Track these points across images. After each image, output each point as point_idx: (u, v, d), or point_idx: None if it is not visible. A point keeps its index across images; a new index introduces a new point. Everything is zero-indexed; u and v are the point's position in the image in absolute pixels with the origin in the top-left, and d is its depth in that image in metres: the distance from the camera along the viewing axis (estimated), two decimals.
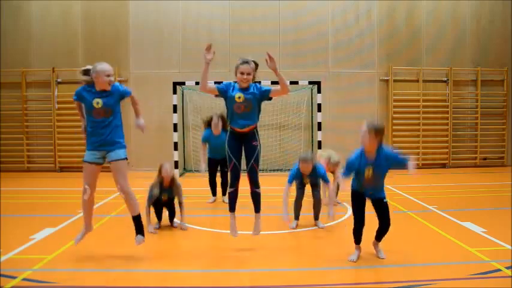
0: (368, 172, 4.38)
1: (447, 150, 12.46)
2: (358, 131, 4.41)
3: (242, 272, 4.42)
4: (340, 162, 7.14)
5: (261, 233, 5.01)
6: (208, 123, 7.62)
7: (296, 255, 4.98)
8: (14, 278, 4.10)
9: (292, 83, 11.34)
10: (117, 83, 4.69)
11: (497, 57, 12.50)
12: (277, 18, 12.16)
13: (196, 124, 11.75)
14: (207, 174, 7.86)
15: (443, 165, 12.46)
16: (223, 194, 7.61)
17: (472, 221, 6.10)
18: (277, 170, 11.68)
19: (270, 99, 4.87)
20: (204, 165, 7.77)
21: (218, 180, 7.71)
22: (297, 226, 6.05)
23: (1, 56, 11.96)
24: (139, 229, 4.74)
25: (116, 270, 4.39)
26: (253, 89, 4.82)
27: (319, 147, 10.60)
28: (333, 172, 7.57)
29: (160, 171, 5.83)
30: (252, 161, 4.79)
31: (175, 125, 11.10)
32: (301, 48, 12.14)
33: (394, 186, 8.80)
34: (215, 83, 11.85)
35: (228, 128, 4.90)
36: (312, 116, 11.89)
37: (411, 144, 12.23)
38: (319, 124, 11.29)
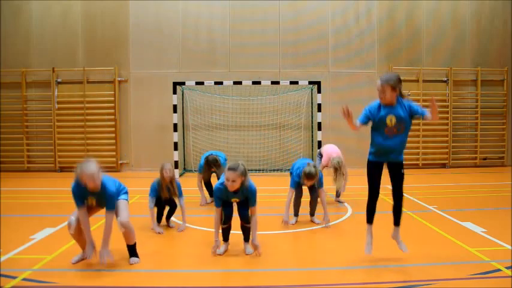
0: (390, 121, 4.29)
1: (447, 150, 12.46)
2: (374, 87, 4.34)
3: (242, 272, 4.42)
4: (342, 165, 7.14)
5: (260, 233, 5.00)
6: (208, 165, 7.52)
7: (296, 255, 4.98)
8: (14, 278, 4.10)
9: (292, 83, 11.39)
10: (106, 187, 4.39)
11: (497, 57, 12.50)
12: (277, 18, 12.17)
13: (196, 124, 11.77)
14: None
15: (443, 165, 12.46)
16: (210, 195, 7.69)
17: (472, 221, 6.10)
18: (277, 170, 11.68)
19: None
20: (204, 201, 7.69)
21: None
22: (296, 222, 6.10)
23: (1, 56, 11.97)
24: (134, 254, 4.69)
25: (115, 270, 4.39)
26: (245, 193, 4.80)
27: (319, 147, 10.60)
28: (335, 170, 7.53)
29: (162, 171, 5.86)
30: (245, 213, 4.85)
31: (175, 125, 11.10)
32: (301, 48, 12.14)
33: None
34: (215, 83, 11.97)
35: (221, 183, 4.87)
36: (312, 116, 11.89)
37: (411, 144, 12.22)
38: (319, 124, 11.29)
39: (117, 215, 4.56)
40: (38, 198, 8.48)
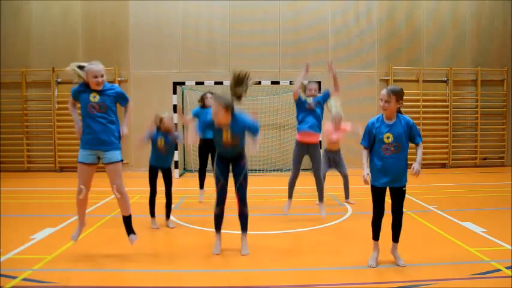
0: (388, 139, 4.31)
1: (447, 150, 12.46)
2: (378, 99, 4.39)
3: (242, 272, 4.42)
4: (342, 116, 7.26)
5: (260, 233, 5.00)
6: (202, 102, 7.53)
7: (296, 255, 4.98)
8: (14, 278, 4.10)
9: (292, 83, 11.37)
10: (115, 85, 4.71)
11: (497, 57, 12.50)
12: (277, 18, 12.17)
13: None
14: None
15: (443, 165, 12.46)
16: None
17: (472, 221, 6.10)
18: (277, 170, 11.69)
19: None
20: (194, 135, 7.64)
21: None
22: (289, 209, 6.18)
23: (1, 56, 11.97)
24: (131, 229, 4.78)
25: (115, 270, 4.39)
26: (238, 123, 4.67)
27: (319, 147, 10.61)
28: (334, 152, 7.58)
29: (159, 121, 5.89)
30: (241, 178, 4.80)
31: (175, 125, 11.09)
32: (301, 48, 12.14)
33: None
34: (215, 83, 11.98)
35: (217, 151, 4.88)
36: None
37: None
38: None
39: (112, 180, 4.60)
40: (38, 198, 8.48)
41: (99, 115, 4.49)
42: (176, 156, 11.05)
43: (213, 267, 4.56)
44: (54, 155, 12.06)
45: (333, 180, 7.56)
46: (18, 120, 12.06)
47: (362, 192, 6.99)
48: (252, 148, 4.66)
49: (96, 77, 4.45)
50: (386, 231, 4.69)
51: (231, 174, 4.87)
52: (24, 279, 4.11)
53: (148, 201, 6.00)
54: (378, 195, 4.42)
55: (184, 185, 10.10)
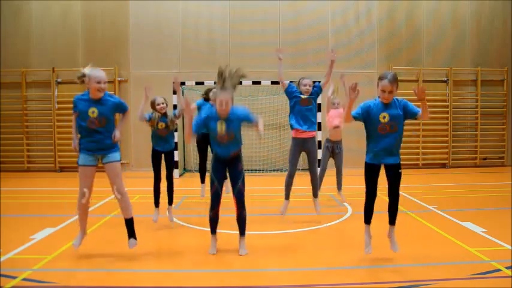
0: (384, 118, 4.32)
1: (447, 150, 12.45)
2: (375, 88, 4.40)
3: (241, 272, 4.42)
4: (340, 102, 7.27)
5: (260, 233, 5.00)
6: (207, 97, 7.54)
7: (295, 255, 4.98)
8: (14, 278, 4.10)
9: (292, 83, 11.36)
10: (114, 95, 4.75)
11: (497, 57, 12.50)
12: (277, 18, 12.17)
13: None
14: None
15: (443, 165, 12.46)
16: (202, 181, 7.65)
17: (472, 221, 6.10)
18: (277, 170, 11.68)
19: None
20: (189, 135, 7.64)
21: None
22: (286, 210, 6.15)
23: (1, 56, 11.97)
24: (132, 233, 4.77)
25: (115, 270, 4.39)
26: (233, 114, 4.67)
27: (319, 147, 10.61)
28: (333, 156, 7.60)
29: (153, 105, 5.97)
30: (239, 183, 4.79)
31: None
32: (301, 48, 12.14)
33: None
34: (215, 83, 11.90)
35: (213, 152, 4.88)
36: None
37: (411, 144, 12.23)
38: (319, 124, 11.27)
39: (112, 181, 4.61)
40: (38, 198, 8.48)
41: (99, 129, 4.53)
42: (176, 156, 11.07)
43: (213, 267, 4.57)
44: (54, 155, 12.06)
45: (333, 180, 7.55)
46: (18, 120, 12.06)
47: (361, 192, 6.98)
48: (259, 132, 4.66)
49: (99, 82, 4.46)
50: (384, 231, 4.69)
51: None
52: (24, 279, 4.11)
53: (153, 189, 6.06)
54: (371, 174, 4.45)
55: (185, 185, 10.10)
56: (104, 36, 12.04)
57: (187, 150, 12.01)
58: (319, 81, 6.41)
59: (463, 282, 4.00)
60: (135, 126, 12.16)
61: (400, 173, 4.47)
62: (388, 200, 4.54)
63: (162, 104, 5.97)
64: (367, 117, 4.40)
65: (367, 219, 4.58)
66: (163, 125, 5.94)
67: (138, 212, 6.18)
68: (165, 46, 12.10)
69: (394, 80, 4.30)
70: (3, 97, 12.01)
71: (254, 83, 11.35)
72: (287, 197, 6.33)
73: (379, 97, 4.39)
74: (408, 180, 10.08)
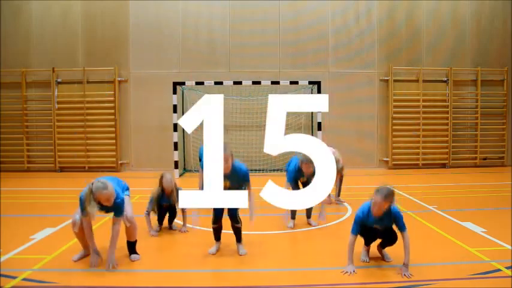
0: (376, 227, 4.47)
1: (447, 150, 12.45)
2: (372, 199, 4.36)
3: (241, 272, 4.42)
4: (340, 161, 7.18)
5: (259, 233, 5.00)
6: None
7: (295, 255, 4.98)
8: (14, 278, 4.10)
9: (292, 83, 11.39)
10: (116, 201, 4.47)
11: (497, 57, 12.50)
12: (277, 18, 12.16)
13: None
14: None
15: (443, 165, 12.45)
16: None
17: (472, 221, 6.10)
18: (277, 170, 11.67)
19: None
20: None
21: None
22: (294, 226, 6.04)
23: (1, 56, 11.96)
24: (133, 251, 4.76)
25: (115, 270, 4.39)
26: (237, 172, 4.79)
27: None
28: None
29: (161, 181, 5.74)
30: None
31: (175, 125, 11.10)
32: (301, 48, 12.14)
33: (394, 186, 8.78)
34: (215, 83, 11.95)
35: None
36: (312, 116, 11.88)
37: (411, 144, 12.22)
38: (319, 124, 11.29)
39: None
40: (38, 198, 8.48)
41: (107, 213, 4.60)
42: (176, 156, 11.07)
43: (213, 267, 4.56)
44: (54, 155, 12.05)
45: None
46: (18, 120, 12.05)
47: (360, 192, 6.99)
48: (252, 216, 4.83)
49: (108, 200, 4.35)
50: None
51: None
52: (24, 279, 4.11)
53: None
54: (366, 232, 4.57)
55: (185, 185, 10.07)
56: (104, 36, 12.04)
57: (187, 150, 12.00)
58: None
59: (463, 282, 4.00)
60: (135, 127, 12.17)
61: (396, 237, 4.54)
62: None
63: (170, 181, 5.74)
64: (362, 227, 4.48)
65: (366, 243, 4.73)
66: (167, 204, 5.88)
67: (138, 212, 6.17)
68: (165, 46, 12.09)
69: (387, 197, 4.30)
70: (3, 97, 12.01)
71: (254, 83, 11.35)
72: (293, 216, 6.12)
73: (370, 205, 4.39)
74: (408, 180, 10.11)
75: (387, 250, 4.68)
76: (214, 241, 5.00)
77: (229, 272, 4.42)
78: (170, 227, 6.05)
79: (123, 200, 4.51)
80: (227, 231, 5.35)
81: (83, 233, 4.56)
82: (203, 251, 4.98)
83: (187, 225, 5.94)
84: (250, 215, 4.88)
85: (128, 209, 4.63)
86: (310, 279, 4.21)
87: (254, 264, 4.60)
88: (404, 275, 4.15)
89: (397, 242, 4.52)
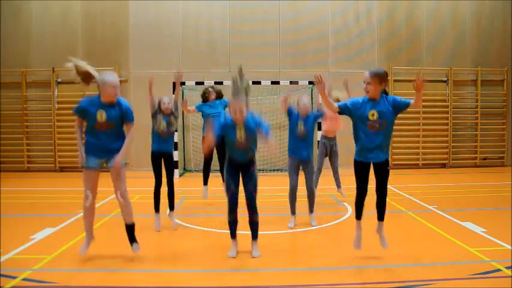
0: (373, 115, 4.32)
1: (447, 150, 12.45)
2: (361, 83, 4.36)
3: (241, 272, 4.42)
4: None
5: (259, 232, 4.99)
6: (205, 96, 7.55)
7: (295, 255, 4.99)
8: (14, 278, 4.10)
9: (292, 83, 11.38)
10: (122, 99, 4.61)
11: (497, 57, 12.50)
12: (277, 18, 12.16)
13: (196, 124, 11.75)
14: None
15: (443, 165, 12.46)
16: (224, 180, 7.56)
17: (472, 221, 6.10)
18: (277, 170, 11.69)
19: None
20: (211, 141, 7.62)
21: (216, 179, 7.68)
22: (295, 225, 6.03)
23: (1, 56, 11.97)
24: (133, 238, 4.74)
25: (116, 270, 4.39)
26: (251, 120, 4.63)
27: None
28: (330, 157, 7.58)
29: (159, 104, 5.97)
30: (250, 187, 4.76)
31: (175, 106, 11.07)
32: (301, 48, 12.14)
33: (394, 186, 8.80)
34: (215, 83, 11.99)
35: (227, 156, 4.83)
36: None
37: (411, 144, 12.23)
38: (319, 124, 11.27)
39: (117, 186, 4.57)
40: (38, 198, 8.48)
41: (108, 131, 4.50)
42: (176, 156, 11.07)
43: (212, 267, 4.56)
44: (54, 155, 12.06)
45: (330, 180, 7.56)
46: (18, 120, 12.06)
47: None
48: (271, 148, 4.57)
49: (115, 87, 4.41)
50: (388, 230, 4.69)
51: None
52: (24, 279, 4.11)
53: (153, 193, 5.92)
54: (361, 171, 4.47)
55: (184, 185, 10.10)
56: (104, 36, 12.04)
57: (187, 150, 12.01)
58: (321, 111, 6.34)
59: (463, 282, 4.00)
60: (135, 127, 12.11)
61: (388, 170, 4.47)
62: (376, 196, 4.54)
63: (168, 103, 5.97)
64: (354, 113, 4.39)
65: (358, 215, 4.64)
66: (165, 124, 5.91)
67: (138, 212, 6.17)
68: (165, 46, 12.10)
69: (375, 74, 4.29)
70: (3, 97, 12.02)
71: (254, 83, 11.34)
72: (293, 212, 6.12)
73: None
74: (408, 180, 10.10)
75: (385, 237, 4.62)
76: (231, 240, 4.85)
77: (229, 272, 4.42)
78: (171, 218, 6.01)
79: (130, 107, 4.67)
80: (227, 231, 5.34)
81: (92, 213, 4.62)
82: (203, 251, 4.98)
83: (188, 225, 5.92)
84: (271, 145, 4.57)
85: (123, 185, 4.56)
86: (310, 279, 4.21)
87: (254, 264, 4.60)
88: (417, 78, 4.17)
89: (389, 237, 4.52)
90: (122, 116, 4.59)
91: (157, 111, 5.97)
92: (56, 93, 11.94)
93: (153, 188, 5.95)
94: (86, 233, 4.73)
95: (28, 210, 7.29)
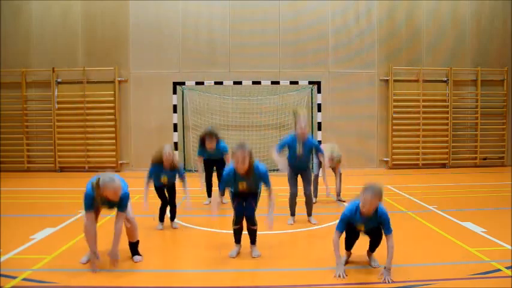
0: (360, 227, 4.37)
1: (447, 150, 12.45)
2: (360, 196, 4.23)
3: (241, 272, 4.42)
4: (341, 158, 7.22)
5: (259, 233, 4.99)
6: (202, 140, 7.52)
7: (295, 255, 4.98)
8: (14, 278, 4.10)
9: (292, 83, 11.40)
10: (121, 197, 4.38)
11: (497, 57, 12.50)
12: (277, 18, 12.16)
13: (196, 124, 11.76)
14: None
15: (443, 165, 12.45)
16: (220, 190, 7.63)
17: (472, 221, 6.11)
18: (277, 170, 11.65)
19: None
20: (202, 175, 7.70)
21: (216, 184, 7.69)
22: (294, 223, 6.08)
23: (1, 56, 11.96)
24: (136, 252, 4.73)
25: (115, 270, 4.39)
26: (255, 173, 4.71)
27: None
28: (334, 169, 7.61)
29: (160, 154, 5.84)
30: (252, 202, 4.81)
31: (175, 125, 11.11)
32: (301, 48, 12.14)
33: (394, 186, 8.80)
34: (215, 83, 11.98)
35: (233, 190, 4.87)
36: (312, 116, 11.88)
37: (411, 144, 12.22)
38: (319, 124, 11.30)
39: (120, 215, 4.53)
40: (38, 198, 8.48)
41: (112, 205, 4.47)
42: (176, 156, 11.05)
43: (212, 267, 4.56)
44: (54, 155, 12.06)
45: (332, 180, 7.56)
46: (18, 120, 12.05)
47: (359, 192, 6.95)
48: (269, 222, 4.65)
49: (116, 194, 4.25)
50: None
51: None
52: (24, 279, 4.11)
53: (158, 209, 6.09)
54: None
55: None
56: (104, 36, 12.04)
57: (187, 150, 12.00)
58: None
59: (463, 282, 4.00)
60: (135, 127, 12.17)
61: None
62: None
63: (168, 154, 5.82)
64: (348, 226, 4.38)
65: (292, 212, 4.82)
66: (166, 179, 5.92)
67: (138, 212, 6.18)
68: (165, 46, 12.10)
69: (379, 195, 4.14)
70: (3, 97, 12.01)
71: (254, 83, 11.36)
72: (293, 213, 6.30)
73: (360, 203, 4.22)
74: (408, 180, 10.11)
75: (375, 255, 4.60)
76: (234, 244, 4.91)
77: (229, 272, 4.42)
78: (172, 224, 6.06)
79: (127, 195, 4.41)
80: (227, 231, 5.35)
81: (94, 233, 4.45)
82: (203, 251, 4.97)
83: (189, 225, 5.94)
84: (268, 221, 4.67)
85: (129, 209, 4.61)
86: (310, 279, 4.21)
87: (254, 264, 4.60)
88: (385, 279, 4.05)
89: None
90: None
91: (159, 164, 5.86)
92: (56, 93, 11.94)
93: (153, 188, 6.03)
94: (91, 250, 4.45)
95: (28, 210, 7.29)
